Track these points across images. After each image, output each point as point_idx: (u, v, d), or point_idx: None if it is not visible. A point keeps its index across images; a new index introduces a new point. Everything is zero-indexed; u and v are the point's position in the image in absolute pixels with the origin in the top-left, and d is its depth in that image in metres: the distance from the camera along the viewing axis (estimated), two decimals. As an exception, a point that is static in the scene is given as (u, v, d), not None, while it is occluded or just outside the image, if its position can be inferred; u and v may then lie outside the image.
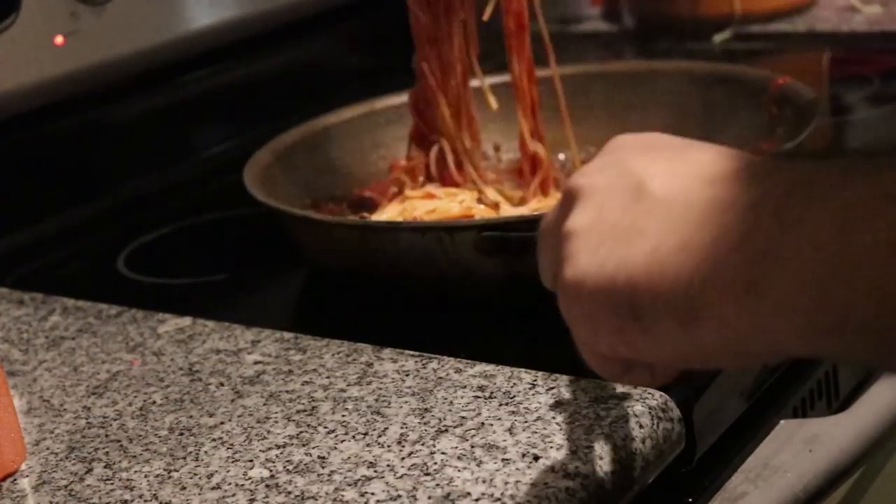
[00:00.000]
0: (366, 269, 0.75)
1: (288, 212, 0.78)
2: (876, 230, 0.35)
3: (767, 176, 0.40)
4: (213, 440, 0.61)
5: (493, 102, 0.87)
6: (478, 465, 0.55)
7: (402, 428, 0.60)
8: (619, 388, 0.60)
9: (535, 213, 0.73)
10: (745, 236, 0.39)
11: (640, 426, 0.58)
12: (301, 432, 0.61)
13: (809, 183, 0.38)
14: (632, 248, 0.43)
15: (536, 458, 0.55)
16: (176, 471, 0.59)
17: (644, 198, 0.44)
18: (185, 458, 0.60)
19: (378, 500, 0.54)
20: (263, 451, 0.59)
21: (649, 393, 0.60)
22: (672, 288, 0.41)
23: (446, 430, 0.59)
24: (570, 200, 0.47)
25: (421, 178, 0.88)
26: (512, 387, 0.62)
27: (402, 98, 0.98)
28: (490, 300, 0.73)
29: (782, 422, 0.67)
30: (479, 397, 0.62)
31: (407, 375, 0.65)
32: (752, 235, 0.38)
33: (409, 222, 0.80)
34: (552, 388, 0.61)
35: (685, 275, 0.40)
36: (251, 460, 0.59)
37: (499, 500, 0.53)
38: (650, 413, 0.59)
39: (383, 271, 0.75)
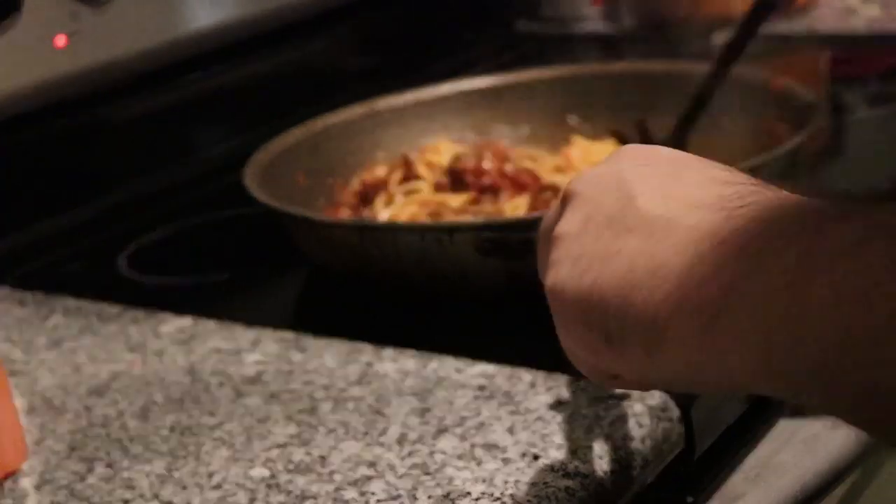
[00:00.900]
0: (365, 270, 0.76)
1: (288, 212, 0.79)
2: (830, 283, 0.35)
3: (748, 207, 0.40)
4: (214, 440, 0.61)
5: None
6: (478, 465, 0.56)
7: (402, 427, 0.60)
8: (619, 388, 0.60)
9: (535, 214, 0.73)
10: (716, 270, 0.39)
11: (640, 426, 0.58)
12: (301, 432, 0.61)
13: (782, 223, 0.38)
14: (608, 266, 0.43)
15: (536, 457, 0.55)
16: (177, 470, 0.59)
17: (630, 214, 0.44)
18: (185, 457, 0.60)
19: (378, 500, 0.54)
20: (264, 451, 0.59)
21: (648, 392, 0.60)
22: (640, 314, 0.41)
23: (446, 430, 0.59)
24: (564, 203, 0.47)
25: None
26: (512, 387, 0.62)
27: (402, 98, 0.98)
28: (490, 301, 0.73)
29: (781, 421, 0.67)
30: (479, 397, 0.62)
31: (407, 375, 0.65)
32: (722, 270, 0.38)
33: (409, 223, 0.80)
34: (552, 388, 0.61)
35: (654, 301, 0.40)
36: (252, 460, 0.59)
37: (499, 499, 0.53)
38: (650, 413, 0.59)
39: (383, 272, 0.75)
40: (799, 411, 0.69)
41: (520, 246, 0.68)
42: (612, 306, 0.42)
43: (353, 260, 0.76)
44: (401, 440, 0.59)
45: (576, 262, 0.44)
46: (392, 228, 0.76)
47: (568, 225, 0.46)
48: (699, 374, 0.40)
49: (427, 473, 0.56)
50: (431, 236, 0.71)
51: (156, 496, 0.57)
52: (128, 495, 0.58)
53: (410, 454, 0.57)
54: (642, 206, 0.44)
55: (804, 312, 0.35)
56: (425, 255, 0.72)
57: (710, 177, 0.44)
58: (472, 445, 0.57)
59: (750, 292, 0.37)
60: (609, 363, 0.44)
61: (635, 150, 0.48)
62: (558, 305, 0.45)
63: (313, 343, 0.70)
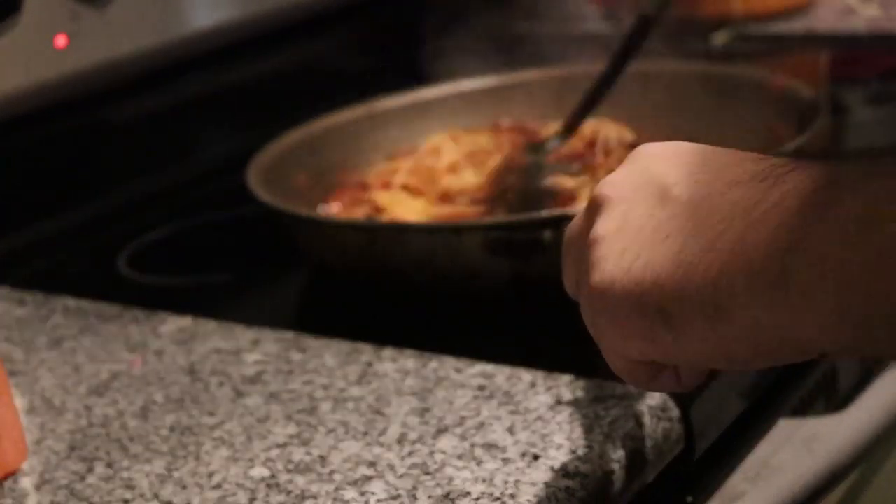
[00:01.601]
0: (372, 270, 0.75)
1: (294, 213, 0.79)
2: None
3: (790, 175, 0.40)
4: (214, 439, 0.61)
5: None
6: (478, 465, 0.56)
7: (402, 427, 0.60)
8: (619, 388, 0.60)
9: (544, 214, 0.73)
10: (772, 232, 0.39)
11: (640, 426, 0.58)
12: (301, 432, 0.61)
13: (833, 179, 0.39)
14: (657, 251, 0.43)
15: (536, 457, 0.55)
16: (177, 470, 0.59)
17: (668, 203, 0.44)
18: (185, 457, 0.60)
19: (378, 500, 0.54)
20: (264, 451, 0.59)
21: (648, 392, 0.60)
22: (700, 287, 0.41)
23: (446, 430, 0.59)
24: (595, 208, 0.47)
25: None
26: (512, 387, 0.62)
27: (402, 99, 0.98)
28: (496, 300, 0.73)
29: (781, 421, 0.67)
30: (479, 397, 0.62)
31: (407, 375, 0.65)
32: (779, 231, 0.39)
33: (417, 223, 0.80)
34: (552, 388, 0.61)
35: (713, 273, 0.41)
36: (251, 460, 0.59)
37: (499, 499, 0.53)
38: (650, 412, 0.59)
39: (389, 271, 0.75)
40: (799, 411, 0.70)
41: (528, 245, 0.68)
42: (669, 287, 0.42)
43: (360, 260, 0.75)
44: (401, 440, 0.59)
45: (621, 256, 0.44)
46: (399, 228, 0.76)
47: (605, 226, 0.46)
48: (768, 340, 0.40)
49: (427, 473, 0.56)
50: (439, 236, 0.71)
51: (156, 496, 0.57)
52: (128, 495, 0.58)
53: (410, 454, 0.57)
54: (679, 193, 0.44)
55: (879, 256, 0.35)
56: (433, 254, 0.72)
57: (737, 159, 0.44)
58: (472, 445, 0.57)
59: (816, 245, 0.37)
60: (667, 349, 0.43)
61: (655, 147, 0.48)
62: (607, 301, 0.45)
63: (313, 343, 0.70)
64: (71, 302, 0.82)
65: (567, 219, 0.68)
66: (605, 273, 0.45)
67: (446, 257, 0.71)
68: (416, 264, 0.73)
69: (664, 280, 0.42)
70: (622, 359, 0.46)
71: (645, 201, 0.45)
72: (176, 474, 0.59)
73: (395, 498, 0.54)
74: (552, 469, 0.55)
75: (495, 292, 0.73)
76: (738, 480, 0.63)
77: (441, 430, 0.59)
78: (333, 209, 0.88)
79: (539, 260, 0.68)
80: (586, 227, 0.48)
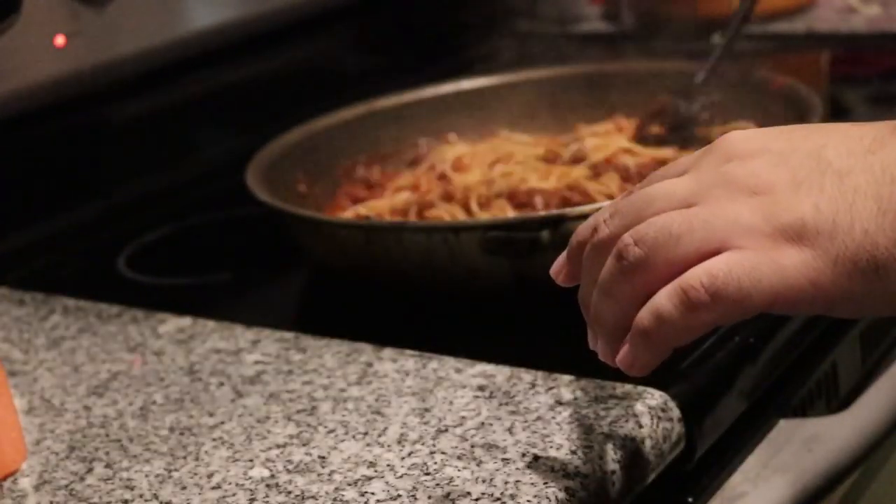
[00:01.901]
0: (371, 269, 0.75)
1: (293, 213, 0.78)
2: None
3: None
4: (214, 440, 0.61)
5: None
6: (478, 465, 0.55)
7: (402, 428, 0.60)
8: (619, 389, 0.60)
9: (540, 213, 0.73)
10: None
11: (640, 426, 0.58)
12: (301, 432, 0.61)
13: None
14: (856, 207, 0.43)
15: (536, 458, 0.55)
16: (176, 470, 0.59)
17: (831, 164, 0.44)
18: (185, 457, 0.60)
19: (378, 500, 0.54)
20: (263, 451, 0.59)
21: (649, 393, 0.60)
22: None
23: (446, 430, 0.59)
24: (729, 154, 0.46)
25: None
26: (512, 387, 0.62)
27: (400, 99, 0.98)
28: (495, 300, 0.73)
29: (782, 421, 0.67)
30: (479, 397, 0.62)
31: (407, 375, 0.65)
32: None
33: (415, 222, 0.80)
34: (552, 388, 0.61)
35: None
36: (251, 460, 0.59)
37: (499, 499, 0.53)
38: (650, 413, 0.59)
39: (388, 271, 0.75)
40: (800, 412, 0.69)
41: (526, 245, 0.68)
42: (881, 238, 0.43)
43: (359, 260, 0.75)
44: (401, 440, 0.59)
45: (817, 214, 0.44)
46: (398, 228, 0.76)
47: (774, 172, 0.45)
48: None
49: (427, 473, 0.55)
50: (437, 236, 0.71)
51: (155, 496, 0.57)
52: (127, 495, 0.57)
53: (410, 454, 0.57)
54: (836, 154, 0.44)
55: None
56: (431, 254, 0.72)
57: (859, 127, 0.46)
58: (472, 446, 0.57)
59: None
60: (868, 300, 0.44)
61: (753, 132, 0.48)
62: (812, 252, 0.44)
63: (313, 343, 0.70)
64: (70, 302, 0.82)
65: (563, 219, 0.68)
66: (806, 234, 0.44)
67: (445, 256, 0.71)
68: (416, 264, 0.73)
69: (874, 234, 0.43)
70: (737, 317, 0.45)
71: (805, 167, 0.45)
72: (175, 475, 0.59)
73: (394, 498, 0.54)
74: (552, 469, 0.54)
75: (496, 292, 0.73)
76: (738, 481, 0.63)
77: (441, 431, 0.59)
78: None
79: (538, 259, 0.68)
80: (720, 186, 0.45)
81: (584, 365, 0.63)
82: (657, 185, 0.48)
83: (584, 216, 0.65)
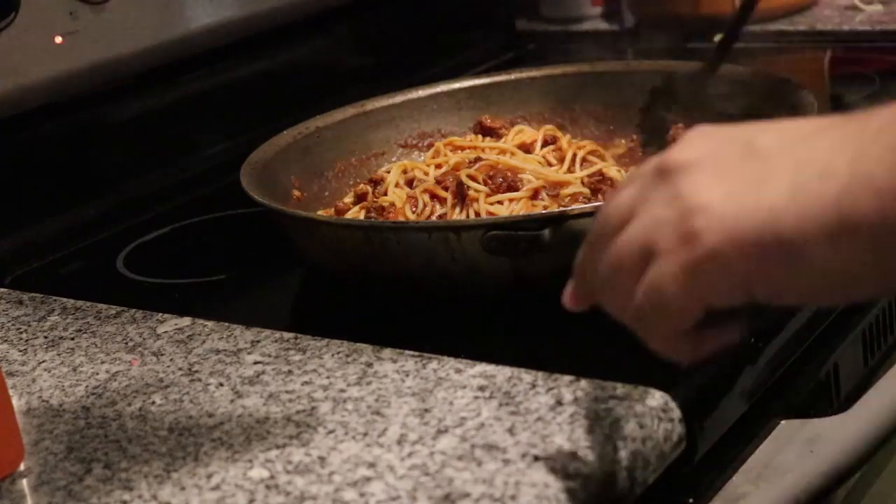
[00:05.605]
0: (370, 270, 0.75)
1: (290, 213, 0.78)
2: None
3: (876, 112, 0.43)
4: (213, 440, 0.61)
5: None
6: (478, 465, 0.55)
7: (402, 428, 0.59)
8: (620, 389, 0.60)
9: (543, 212, 0.73)
10: (888, 150, 0.41)
11: (641, 426, 0.58)
12: (301, 432, 0.60)
13: None
14: (767, 187, 0.44)
15: (536, 458, 0.55)
16: (175, 471, 0.59)
17: (758, 151, 0.45)
18: (184, 458, 0.60)
19: (378, 501, 0.54)
20: (263, 452, 0.59)
21: (650, 393, 0.59)
22: (820, 211, 0.42)
23: (446, 430, 0.59)
24: (667, 173, 0.47)
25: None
26: (512, 387, 0.62)
27: (392, 99, 0.98)
28: (496, 300, 0.73)
29: (783, 422, 0.67)
30: (479, 397, 0.61)
31: (407, 375, 0.65)
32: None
33: (416, 222, 0.80)
34: (552, 388, 0.61)
35: (832, 195, 0.42)
36: (250, 460, 0.59)
37: (499, 500, 0.53)
38: (650, 413, 0.58)
39: (388, 272, 0.74)
40: (801, 412, 0.69)
41: (527, 244, 0.68)
42: (789, 216, 0.43)
43: (358, 260, 0.75)
44: (400, 441, 0.58)
45: (725, 200, 0.45)
46: (398, 228, 0.75)
47: (695, 179, 0.46)
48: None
49: (427, 474, 0.55)
50: (438, 235, 0.71)
51: (154, 497, 0.57)
52: (126, 496, 0.57)
53: (410, 455, 0.57)
54: (767, 142, 0.45)
55: None
56: (432, 254, 0.71)
57: (800, 120, 0.46)
58: (473, 446, 0.57)
59: None
60: (779, 284, 0.44)
61: (706, 126, 0.49)
62: (716, 245, 0.45)
63: (312, 343, 0.70)
64: (69, 302, 0.82)
65: (564, 218, 0.68)
66: (712, 217, 0.45)
67: (446, 256, 0.71)
68: (417, 264, 0.72)
69: (781, 211, 0.43)
70: (697, 310, 0.46)
71: (732, 152, 0.46)
72: (174, 475, 0.58)
73: (394, 499, 0.54)
74: (553, 470, 0.54)
75: (497, 291, 0.73)
76: (739, 482, 0.63)
77: (441, 431, 0.59)
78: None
79: (539, 258, 0.68)
80: (653, 191, 0.47)
81: (584, 365, 0.63)
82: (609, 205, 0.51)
83: (586, 214, 0.65)
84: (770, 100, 0.86)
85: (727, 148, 0.46)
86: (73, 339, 0.76)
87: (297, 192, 0.89)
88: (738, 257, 0.44)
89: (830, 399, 0.73)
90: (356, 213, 0.85)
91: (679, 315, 0.47)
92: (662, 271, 0.46)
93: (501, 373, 0.63)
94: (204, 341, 0.73)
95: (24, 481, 0.60)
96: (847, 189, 0.42)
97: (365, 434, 0.59)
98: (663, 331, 0.49)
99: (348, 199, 0.90)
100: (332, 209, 0.89)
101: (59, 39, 0.96)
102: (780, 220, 0.43)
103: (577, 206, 0.70)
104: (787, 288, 0.45)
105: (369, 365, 0.66)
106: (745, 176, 0.45)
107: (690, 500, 0.62)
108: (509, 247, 0.69)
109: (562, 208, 0.74)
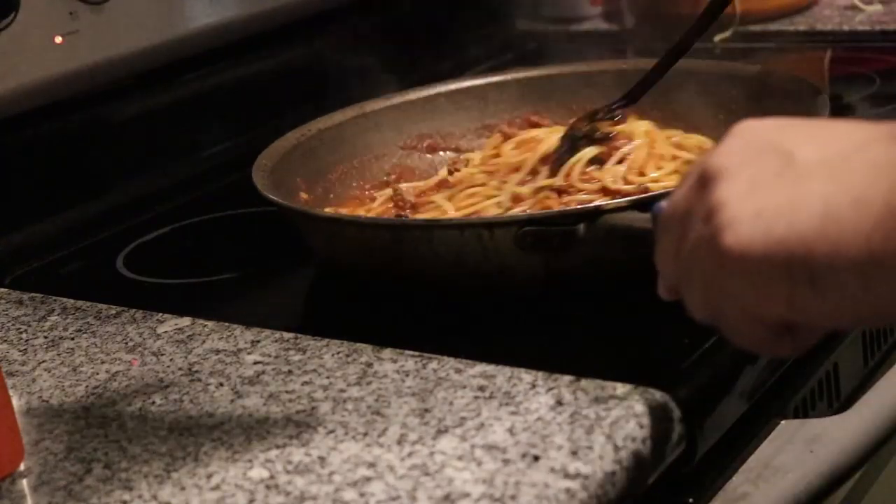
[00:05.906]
0: (397, 270, 0.74)
1: (310, 213, 0.77)
2: None
3: None
4: (213, 440, 0.61)
5: None
6: (478, 465, 0.55)
7: (402, 428, 0.59)
8: (620, 389, 0.60)
9: (577, 208, 0.73)
10: None
11: (641, 426, 0.58)
12: (301, 432, 0.60)
13: None
14: (800, 212, 0.43)
15: (536, 458, 0.55)
16: (175, 471, 0.59)
17: (798, 165, 0.44)
18: (184, 458, 0.60)
19: (378, 501, 0.54)
20: (263, 452, 0.59)
21: (650, 393, 0.59)
22: (851, 244, 0.41)
23: (446, 431, 0.59)
24: (707, 179, 0.47)
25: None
26: (512, 387, 0.62)
27: (390, 101, 0.98)
28: (525, 297, 0.72)
29: (783, 422, 0.67)
30: (479, 397, 0.61)
31: (407, 375, 0.65)
32: None
33: (447, 220, 0.79)
34: (552, 388, 0.61)
35: (864, 228, 0.41)
36: (250, 460, 0.59)
37: (499, 500, 0.53)
38: (650, 413, 0.58)
39: (416, 271, 0.73)
40: (801, 412, 0.69)
41: (561, 240, 0.67)
42: (818, 245, 0.42)
43: (385, 260, 0.74)
44: (400, 441, 0.58)
45: (756, 217, 0.44)
46: (429, 226, 0.74)
47: (732, 189, 0.45)
48: None
49: (427, 474, 0.55)
50: (471, 232, 0.70)
51: (154, 497, 0.57)
52: (126, 496, 0.57)
53: (410, 455, 0.57)
54: (806, 155, 0.44)
55: None
56: (463, 251, 0.70)
57: (848, 125, 0.45)
58: (472, 446, 0.57)
59: None
60: (810, 310, 0.44)
61: (757, 121, 0.48)
62: (745, 264, 0.44)
63: (312, 343, 0.70)
64: (69, 302, 0.82)
65: (599, 213, 0.67)
66: (741, 235, 0.44)
67: (478, 254, 0.70)
68: (447, 262, 0.71)
69: (811, 239, 0.42)
70: (753, 322, 0.46)
71: (769, 166, 0.45)
72: (174, 475, 0.58)
73: (394, 499, 0.54)
74: (553, 470, 0.54)
75: (529, 288, 0.72)
76: (739, 482, 0.63)
77: (441, 431, 0.59)
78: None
79: (572, 254, 0.67)
80: (697, 198, 0.47)
81: (584, 365, 0.62)
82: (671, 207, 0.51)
83: (621, 209, 0.65)
84: (775, 103, 0.86)
85: (765, 159, 0.46)
86: (73, 339, 0.76)
87: (304, 195, 0.89)
88: (765, 280, 0.44)
89: (830, 399, 0.73)
90: (384, 207, 0.85)
91: (744, 325, 0.47)
92: (699, 286, 0.48)
93: (501, 373, 0.63)
94: (204, 341, 0.73)
95: (24, 481, 0.60)
96: (880, 223, 0.41)
97: (365, 434, 0.59)
98: (745, 331, 0.48)
99: (377, 204, 0.89)
100: (344, 210, 0.89)
101: (59, 39, 0.96)
102: (811, 252, 0.43)
103: (612, 201, 0.69)
104: (814, 311, 0.44)
105: (369, 365, 0.66)
106: (779, 196, 0.44)
107: (690, 500, 0.62)
108: (543, 242, 0.68)
109: (597, 203, 0.73)
